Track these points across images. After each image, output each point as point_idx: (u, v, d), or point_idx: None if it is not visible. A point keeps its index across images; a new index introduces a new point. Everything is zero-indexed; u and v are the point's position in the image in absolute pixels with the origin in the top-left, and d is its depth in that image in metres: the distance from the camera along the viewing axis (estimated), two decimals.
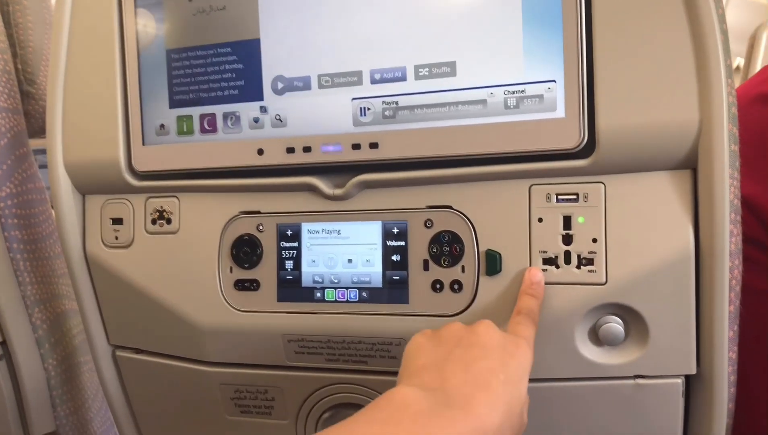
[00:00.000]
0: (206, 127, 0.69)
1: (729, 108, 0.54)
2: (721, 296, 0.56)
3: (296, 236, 0.68)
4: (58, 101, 0.73)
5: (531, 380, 0.61)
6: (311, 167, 0.66)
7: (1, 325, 0.83)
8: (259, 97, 0.67)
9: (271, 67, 0.66)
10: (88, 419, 0.92)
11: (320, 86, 0.65)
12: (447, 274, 0.63)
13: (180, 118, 0.70)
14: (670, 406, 0.60)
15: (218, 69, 0.68)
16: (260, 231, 0.69)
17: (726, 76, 0.54)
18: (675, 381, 0.60)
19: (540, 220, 0.60)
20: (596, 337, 0.60)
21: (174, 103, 0.70)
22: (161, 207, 0.73)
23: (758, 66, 1.84)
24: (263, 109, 0.67)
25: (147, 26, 0.70)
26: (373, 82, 0.63)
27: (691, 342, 0.58)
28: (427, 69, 0.61)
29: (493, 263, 0.61)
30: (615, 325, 0.59)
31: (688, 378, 0.61)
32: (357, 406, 0.70)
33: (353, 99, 0.64)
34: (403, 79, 0.62)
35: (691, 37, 0.54)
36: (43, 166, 0.76)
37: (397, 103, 0.62)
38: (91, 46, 0.72)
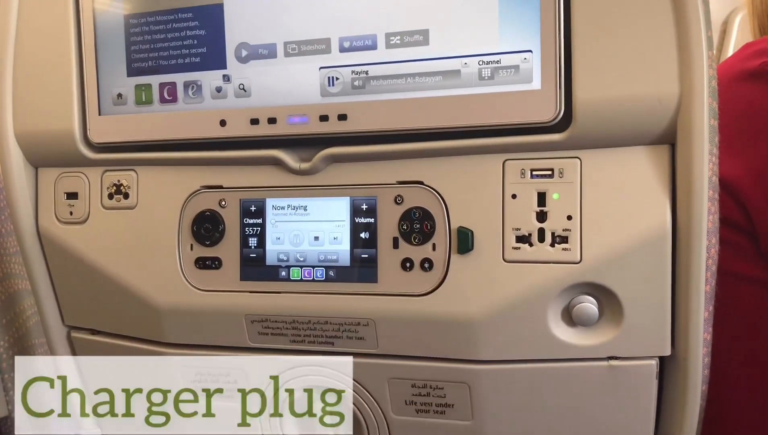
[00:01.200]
0: (166, 96, 0.66)
1: (710, 81, 0.52)
2: (698, 276, 0.55)
3: (260, 212, 0.65)
4: (8, 67, 0.69)
5: (502, 362, 0.60)
6: (276, 139, 0.63)
7: None
8: (222, 65, 0.64)
9: (234, 34, 0.63)
10: None
11: (286, 54, 0.62)
12: (417, 252, 0.61)
13: (138, 87, 0.66)
14: (644, 387, 0.59)
15: (179, 35, 0.64)
16: (222, 206, 0.66)
17: (707, 49, 0.52)
18: (649, 362, 0.59)
19: (514, 196, 0.58)
20: (569, 317, 0.59)
21: (132, 71, 0.67)
22: (118, 181, 0.69)
23: (730, 52, 1.85)
24: (226, 78, 0.64)
25: None
26: (342, 50, 0.60)
27: (666, 323, 0.57)
28: (398, 37, 0.59)
29: (464, 241, 0.59)
30: (589, 305, 0.58)
31: (662, 359, 0.59)
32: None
33: (321, 68, 0.61)
34: (373, 47, 0.59)
35: (672, 6, 0.52)
36: None
37: (366, 72, 0.60)
38: (43, 10, 0.69)
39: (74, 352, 0.78)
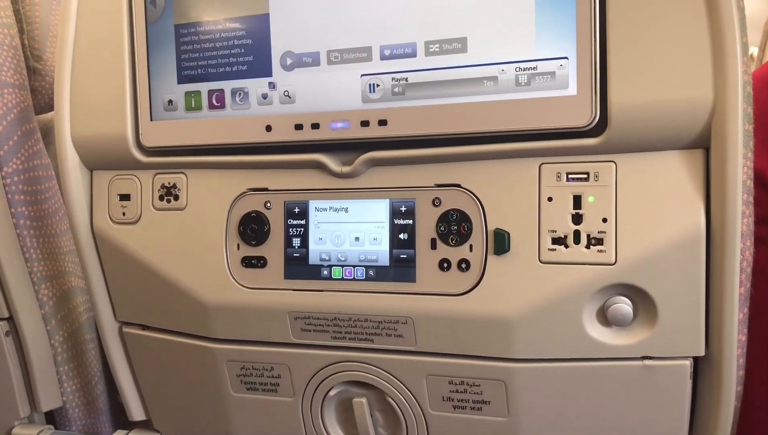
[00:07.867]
0: (214, 102, 0.69)
1: (744, 86, 0.53)
2: (732, 278, 0.55)
3: (303, 214, 0.68)
4: (66, 76, 0.73)
5: (538, 360, 0.62)
6: (319, 144, 0.65)
7: (8, 301, 0.83)
8: (268, 73, 0.66)
9: (280, 43, 0.65)
10: (95, 396, 0.93)
11: (329, 62, 0.64)
12: (454, 253, 0.63)
13: (188, 94, 0.70)
14: (678, 387, 0.60)
15: (227, 44, 0.67)
16: (268, 208, 0.69)
17: (741, 54, 0.53)
18: (683, 362, 0.59)
19: (550, 199, 0.60)
20: (604, 317, 0.60)
21: (182, 79, 0.70)
22: (169, 183, 0.73)
23: None
24: (272, 85, 0.66)
25: (155, 0, 0.69)
26: (383, 58, 0.62)
27: (700, 323, 0.58)
28: (437, 45, 0.61)
29: (501, 242, 0.61)
30: (624, 305, 0.59)
31: (696, 360, 0.60)
32: (362, 384, 0.70)
33: (362, 75, 0.63)
34: (413, 55, 0.61)
35: (706, 12, 0.53)
36: None
37: (406, 79, 0.62)
38: (100, 21, 0.72)
39: (125, 347, 0.81)
